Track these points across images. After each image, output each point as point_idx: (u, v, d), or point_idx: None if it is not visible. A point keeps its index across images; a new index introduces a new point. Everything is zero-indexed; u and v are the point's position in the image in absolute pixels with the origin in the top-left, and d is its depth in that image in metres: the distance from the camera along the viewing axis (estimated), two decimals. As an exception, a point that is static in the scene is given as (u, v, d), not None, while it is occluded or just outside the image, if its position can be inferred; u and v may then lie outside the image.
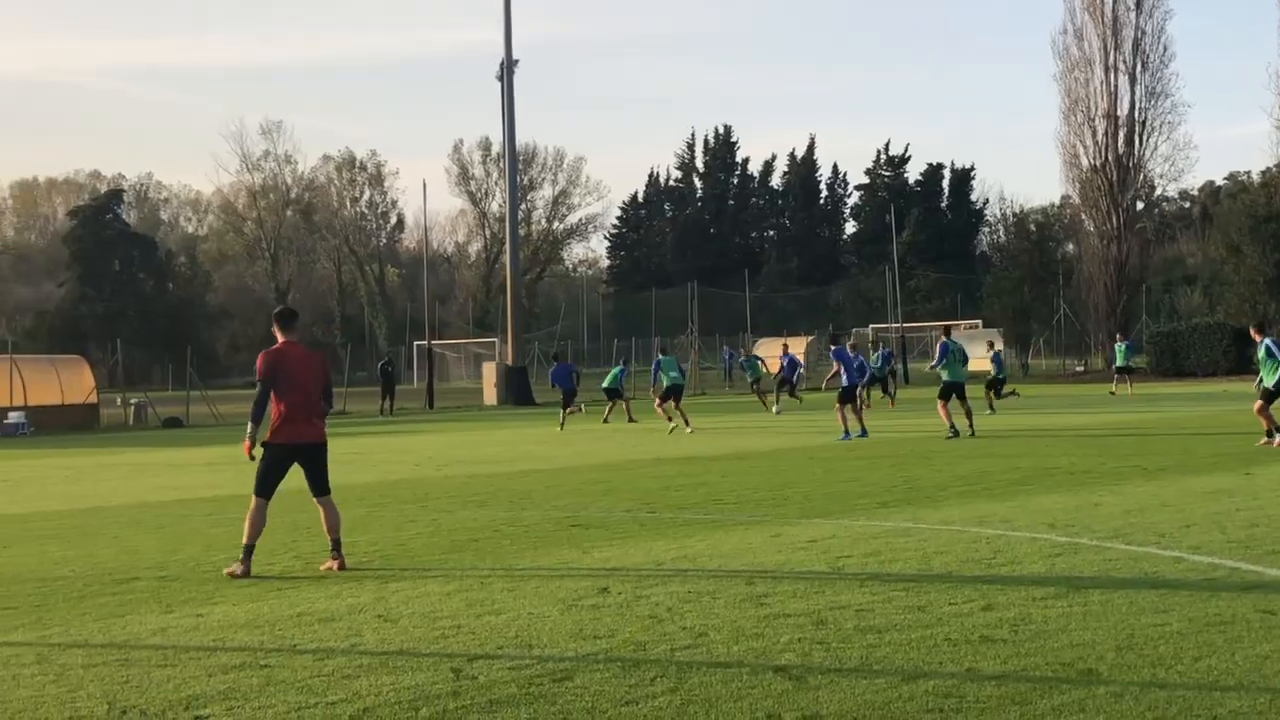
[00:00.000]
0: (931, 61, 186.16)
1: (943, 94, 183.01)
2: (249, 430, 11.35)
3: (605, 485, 18.32)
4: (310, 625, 8.99)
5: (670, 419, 30.73)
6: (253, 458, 11.51)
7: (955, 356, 26.55)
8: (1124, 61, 66.93)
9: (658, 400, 31.73)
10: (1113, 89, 67.04)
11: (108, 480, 22.27)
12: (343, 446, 29.25)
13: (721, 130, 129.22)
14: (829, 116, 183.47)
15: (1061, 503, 14.51)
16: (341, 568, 11.33)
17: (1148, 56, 66.83)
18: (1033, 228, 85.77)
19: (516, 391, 53.82)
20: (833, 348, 27.88)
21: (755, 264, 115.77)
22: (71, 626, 9.26)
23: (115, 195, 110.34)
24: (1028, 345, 72.96)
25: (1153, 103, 66.98)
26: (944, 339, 27.13)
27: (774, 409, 37.61)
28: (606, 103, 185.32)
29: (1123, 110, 67.09)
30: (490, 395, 54.75)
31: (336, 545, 11.49)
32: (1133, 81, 66.95)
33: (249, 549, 11.26)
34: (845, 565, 10.71)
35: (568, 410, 34.44)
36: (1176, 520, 12.77)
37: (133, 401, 46.84)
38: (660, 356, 32.07)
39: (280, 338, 11.65)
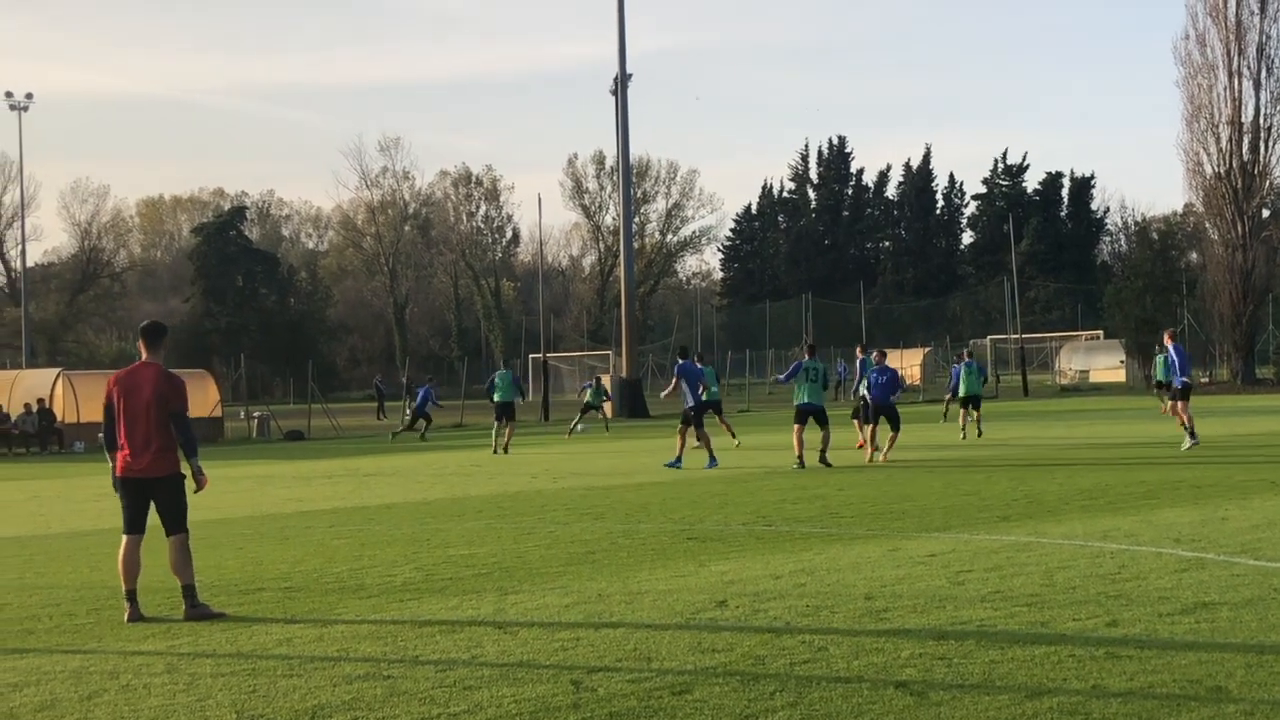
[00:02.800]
0: (1049, 69, 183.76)
1: (1061, 101, 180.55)
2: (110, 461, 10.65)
3: (721, 498, 18.30)
4: (432, 636, 9.09)
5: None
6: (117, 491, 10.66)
7: (807, 375, 23.64)
8: (1248, 67, 65.47)
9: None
10: (1236, 94, 65.60)
11: (232, 492, 22.68)
12: (459, 459, 29.51)
13: (835, 141, 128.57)
14: (945, 126, 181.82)
15: (1187, 517, 14.23)
16: (187, 617, 10.14)
17: (1273, 61, 65.30)
18: (1155, 236, 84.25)
19: (631, 404, 53.93)
20: (680, 361, 25.89)
21: (870, 275, 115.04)
22: (200, 636, 9.46)
23: (238, 212, 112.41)
24: (1150, 356, 71.59)
25: (1278, 108, 65.42)
26: (805, 357, 24.27)
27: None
28: (719, 115, 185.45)
29: (1247, 116, 65.60)
30: (605, 408, 54.86)
31: (185, 591, 10.29)
32: (1257, 87, 65.46)
33: (127, 594, 10.27)
34: (966, 580, 10.60)
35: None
36: (1308, 535, 12.47)
37: (256, 415, 47.76)
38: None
39: (142, 356, 10.65)
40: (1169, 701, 6.84)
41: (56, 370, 46.87)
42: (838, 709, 6.92)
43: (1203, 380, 67.63)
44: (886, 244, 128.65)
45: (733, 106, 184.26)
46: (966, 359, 33.05)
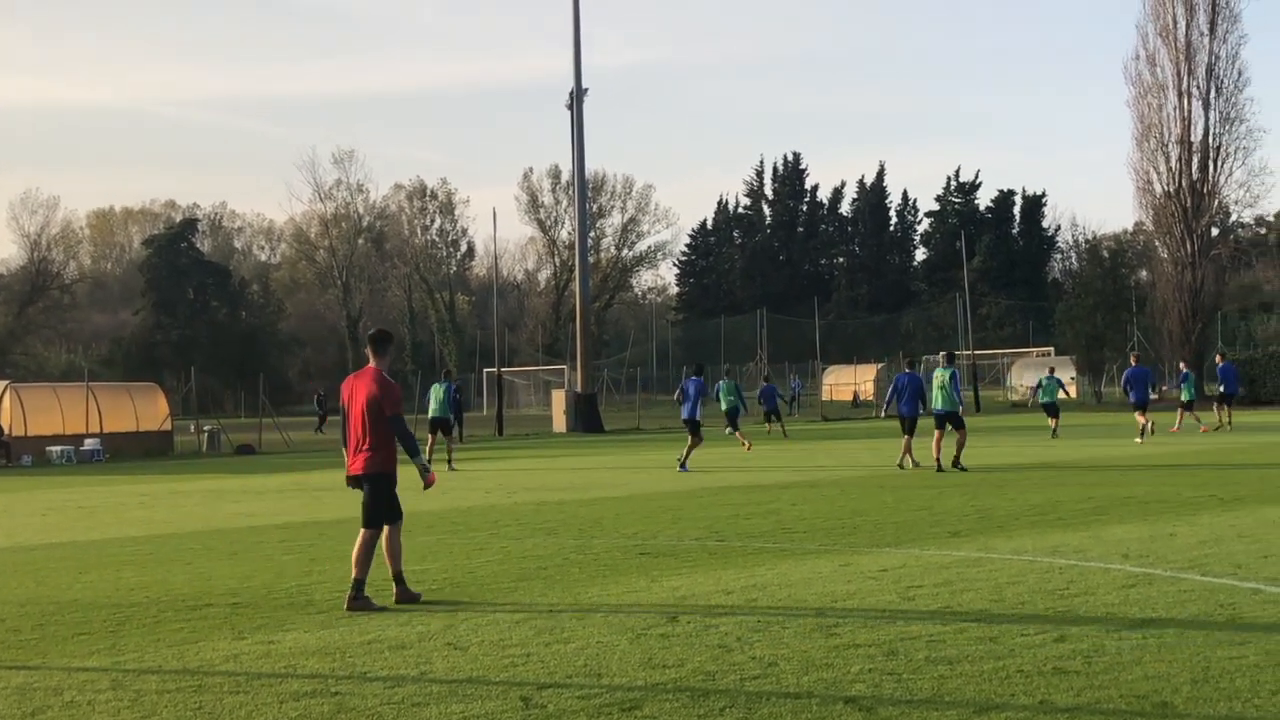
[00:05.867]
0: (1002, 88, 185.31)
1: (1014, 120, 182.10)
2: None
3: (674, 513, 18.29)
4: (381, 653, 9.03)
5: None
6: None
7: (938, 382, 25.29)
8: (1197, 87, 66.14)
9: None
10: (1186, 114, 66.25)
11: (181, 507, 22.52)
12: (412, 474, 29.37)
13: (790, 157, 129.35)
14: (899, 143, 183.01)
15: (1136, 533, 14.33)
16: (348, 606, 10.77)
17: (1222, 81, 65.99)
18: (1105, 254, 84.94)
19: (586, 419, 53.88)
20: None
21: (825, 291, 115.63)
22: (146, 652, 9.36)
23: (190, 224, 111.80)
24: (1100, 373, 72.19)
25: (1227, 128, 66.05)
26: (941, 364, 25.99)
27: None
28: (676, 130, 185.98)
29: (1196, 136, 66.23)
30: (560, 422, 54.84)
31: (355, 584, 10.86)
32: (1206, 107, 66.10)
33: (395, 575, 11.15)
34: (916, 595, 10.63)
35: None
36: (1254, 551, 12.58)
37: (206, 428, 47.34)
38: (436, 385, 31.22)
39: (370, 362, 11.41)
40: (1115, 717, 6.88)
41: (4, 383, 46.32)
42: (787, 725, 6.92)
43: (1153, 397, 68.20)
44: (841, 260, 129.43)
45: (688, 122, 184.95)
46: (1050, 374, 40.30)
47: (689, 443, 27.83)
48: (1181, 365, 40.78)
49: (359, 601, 10.77)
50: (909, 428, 25.71)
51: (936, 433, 25.03)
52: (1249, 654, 8.15)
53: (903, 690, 7.53)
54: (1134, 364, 35.32)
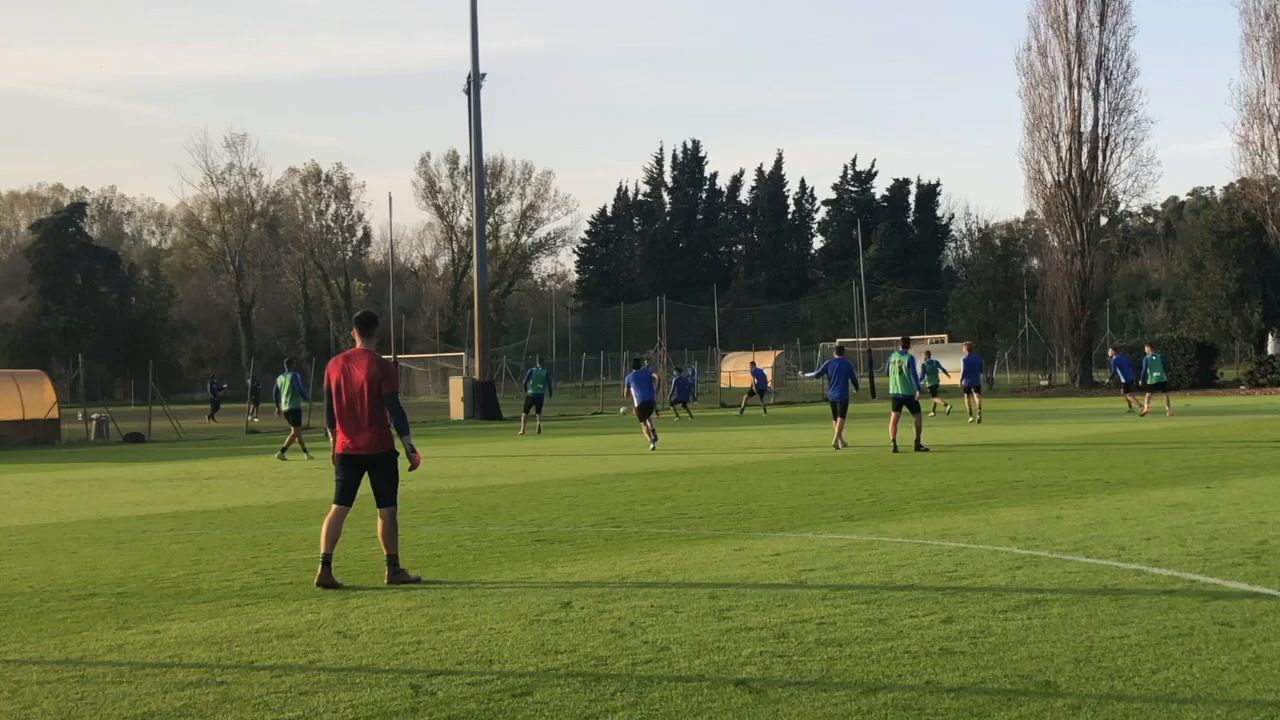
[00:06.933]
0: (898, 78, 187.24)
1: (909, 110, 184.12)
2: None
3: (570, 500, 18.27)
4: (268, 642, 8.92)
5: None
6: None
7: (899, 368, 26.14)
8: (1087, 78, 67.20)
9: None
10: (1076, 105, 67.29)
11: (68, 496, 22.10)
12: (305, 462, 29.08)
13: (690, 145, 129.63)
14: (796, 132, 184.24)
15: (1023, 516, 14.56)
16: (390, 582, 11.21)
17: (1111, 73, 67.09)
18: (997, 243, 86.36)
19: (484, 406, 53.66)
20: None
21: (724, 278, 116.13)
22: (27, 643, 9.17)
23: (78, 208, 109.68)
24: (992, 359, 73.31)
25: (1116, 119, 67.19)
26: (900, 351, 26.74)
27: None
28: (575, 117, 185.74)
29: (1086, 126, 67.32)
30: (457, 410, 54.55)
31: (389, 560, 11.34)
32: (1096, 98, 67.18)
33: (323, 557, 11.20)
34: (808, 578, 10.71)
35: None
36: (1137, 533, 12.83)
37: (94, 416, 46.45)
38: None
39: (356, 344, 11.64)
40: (1000, 696, 6.98)
41: (-116, 370, 45.19)
42: (677, 708, 6.94)
43: (1042, 383, 69.41)
44: (740, 247, 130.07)
45: (588, 109, 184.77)
46: (927, 358, 41.91)
47: (648, 425, 30.04)
48: (1147, 349, 40.52)
49: (399, 575, 11.25)
50: (839, 410, 27.15)
51: (894, 414, 25.89)
52: (1131, 634, 8.31)
53: (792, 672, 7.59)
54: (967, 352, 39.14)
